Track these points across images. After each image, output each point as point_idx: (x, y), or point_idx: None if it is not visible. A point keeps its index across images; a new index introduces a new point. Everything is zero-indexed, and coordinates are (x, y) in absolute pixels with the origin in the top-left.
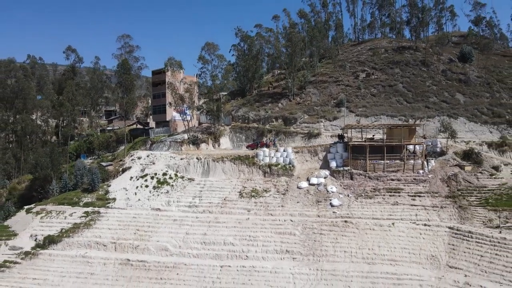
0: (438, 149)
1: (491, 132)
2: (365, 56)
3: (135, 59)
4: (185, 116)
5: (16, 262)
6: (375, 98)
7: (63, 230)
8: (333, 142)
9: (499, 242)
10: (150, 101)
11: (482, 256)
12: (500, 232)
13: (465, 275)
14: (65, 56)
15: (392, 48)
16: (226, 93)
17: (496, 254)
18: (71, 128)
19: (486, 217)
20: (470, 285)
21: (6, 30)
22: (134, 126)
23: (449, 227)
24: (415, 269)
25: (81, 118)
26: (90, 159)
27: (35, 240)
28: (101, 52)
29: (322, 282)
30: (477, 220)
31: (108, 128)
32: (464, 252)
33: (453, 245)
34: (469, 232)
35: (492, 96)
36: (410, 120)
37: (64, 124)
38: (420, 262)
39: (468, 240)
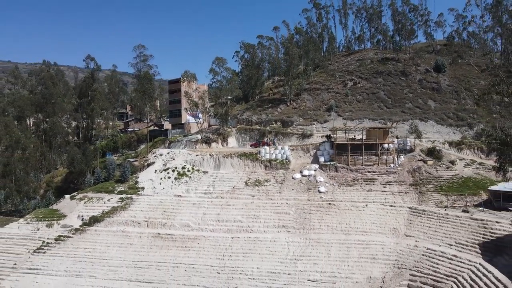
0: (407, 147)
1: (454, 133)
2: (353, 66)
3: (149, 67)
4: (198, 119)
5: (68, 237)
6: (360, 104)
7: (104, 212)
8: (322, 141)
9: (443, 217)
10: (158, 103)
11: (429, 227)
12: (445, 210)
13: (416, 241)
14: (85, 64)
15: (377, 59)
16: (230, 97)
17: (439, 225)
18: (101, 130)
19: (438, 199)
20: (418, 247)
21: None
22: (152, 127)
23: (409, 207)
24: (380, 238)
25: (99, 120)
26: (115, 156)
27: (82, 219)
28: (101, 49)
29: (309, 247)
30: (431, 202)
31: (129, 130)
32: (417, 225)
33: (410, 220)
34: (423, 210)
35: (459, 103)
36: (388, 123)
37: (84, 125)
38: (384, 233)
39: (421, 216)
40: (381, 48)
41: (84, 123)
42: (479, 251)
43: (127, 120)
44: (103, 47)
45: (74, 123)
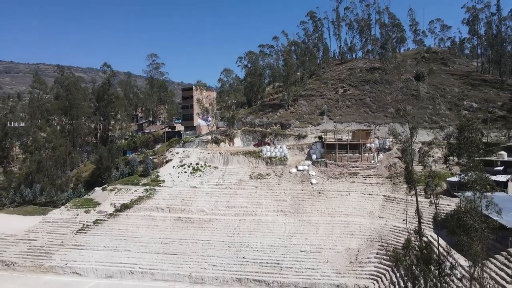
0: (386, 146)
1: (428, 135)
2: (344, 74)
3: (160, 74)
4: (208, 122)
5: (104, 220)
6: (349, 109)
7: (132, 200)
8: (314, 142)
9: (409, 202)
10: (166, 106)
11: (398, 210)
12: (412, 197)
13: (386, 220)
14: (102, 71)
15: (366, 68)
16: (235, 101)
17: (404, 209)
18: (115, 130)
19: (408, 189)
20: (387, 225)
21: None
22: (166, 129)
23: (384, 195)
24: (358, 219)
25: (113, 122)
26: (134, 154)
27: (114, 206)
28: (101, 46)
29: (302, 226)
30: (402, 191)
31: (146, 131)
32: (389, 209)
33: (383, 205)
34: (394, 197)
35: (434, 108)
36: (372, 125)
37: (101, 127)
38: (362, 215)
39: (393, 202)
40: (371, 57)
41: (101, 125)
42: (432, 226)
43: (141, 122)
44: (101, 42)
45: (92, 125)
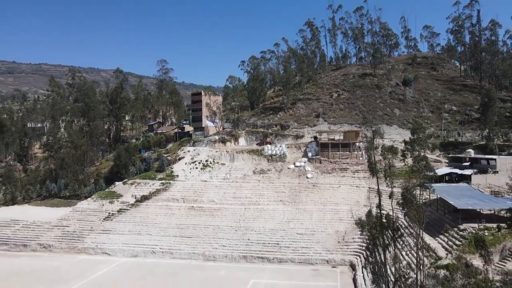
0: (374, 145)
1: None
2: (339, 80)
3: (170, 78)
4: (216, 124)
5: (126, 209)
6: (342, 112)
7: (151, 192)
8: (310, 141)
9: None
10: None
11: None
12: (391, 189)
13: (369, 208)
14: (115, 76)
15: (358, 74)
16: (238, 103)
17: (386, 198)
18: (126, 131)
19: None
20: (371, 211)
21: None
22: (176, 130)
23: (369, 187)
24: (346, 207)
25: (124, 123)
26: (149, 152)
27: (135, 198)
28: (101, 46)
29: (298, 213)
30: (385, 184)
31: (159, 131)
32: (373, 198)
33: (368, 195)
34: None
35: (418, 111)
36: (361, 127)
37: (114, 128)
38: (350, 204)
39: (376, 192)
40: (364, 62)
41: (114, 126)
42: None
43: (151, 123)
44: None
45: (105, 126)
